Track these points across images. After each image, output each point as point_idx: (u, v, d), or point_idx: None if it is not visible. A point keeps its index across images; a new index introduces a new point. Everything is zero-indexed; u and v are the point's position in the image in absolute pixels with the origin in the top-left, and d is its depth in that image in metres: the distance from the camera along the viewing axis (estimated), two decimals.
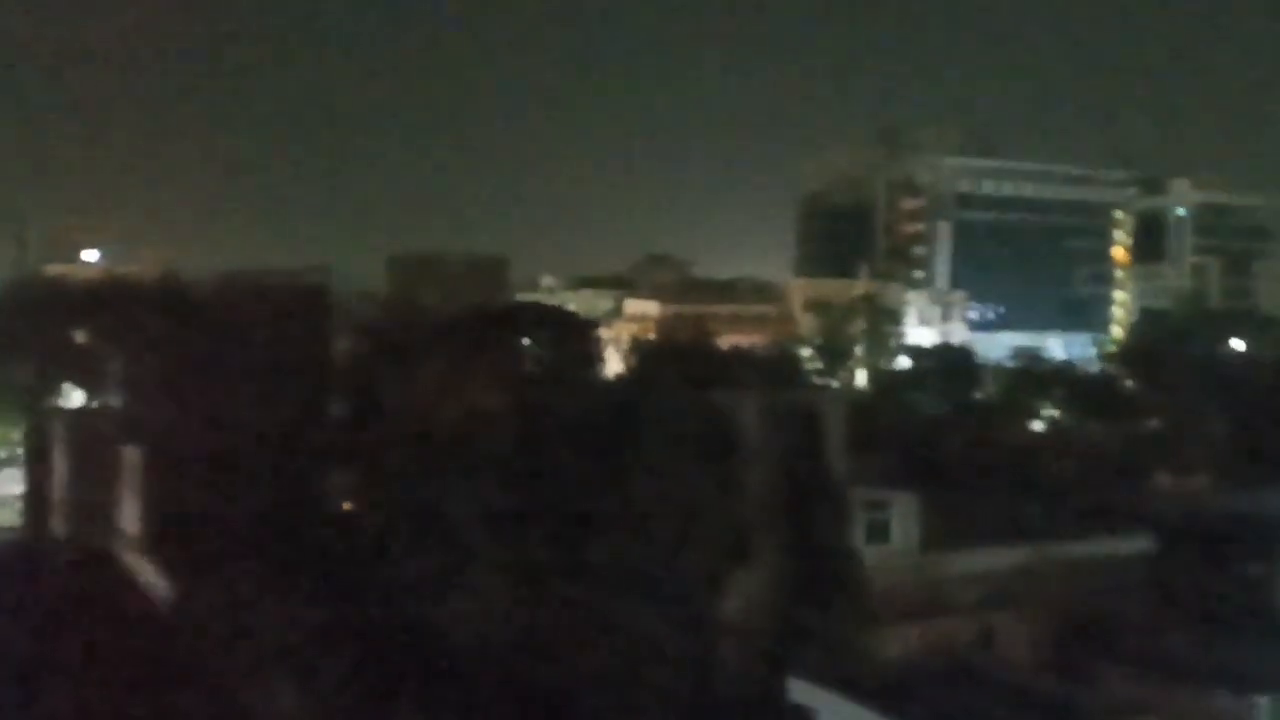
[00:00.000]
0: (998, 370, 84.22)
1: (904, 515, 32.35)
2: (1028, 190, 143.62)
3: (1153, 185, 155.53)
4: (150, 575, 34.57)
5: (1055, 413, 71.16)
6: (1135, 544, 35.35)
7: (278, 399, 38.71)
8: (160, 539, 34.44)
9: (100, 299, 58.65)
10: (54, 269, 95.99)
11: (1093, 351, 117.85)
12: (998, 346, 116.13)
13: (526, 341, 55.33)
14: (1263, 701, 25.65)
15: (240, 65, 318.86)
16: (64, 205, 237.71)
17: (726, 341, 76.99)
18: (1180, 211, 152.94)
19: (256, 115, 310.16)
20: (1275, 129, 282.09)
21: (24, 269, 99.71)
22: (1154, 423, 67.13)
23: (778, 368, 66.10)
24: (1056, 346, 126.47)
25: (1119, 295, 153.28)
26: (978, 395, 75.42)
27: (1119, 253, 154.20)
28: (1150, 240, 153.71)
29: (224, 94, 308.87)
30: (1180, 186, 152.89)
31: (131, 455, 37.77)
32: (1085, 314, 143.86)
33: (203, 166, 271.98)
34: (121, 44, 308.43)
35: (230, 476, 35.07)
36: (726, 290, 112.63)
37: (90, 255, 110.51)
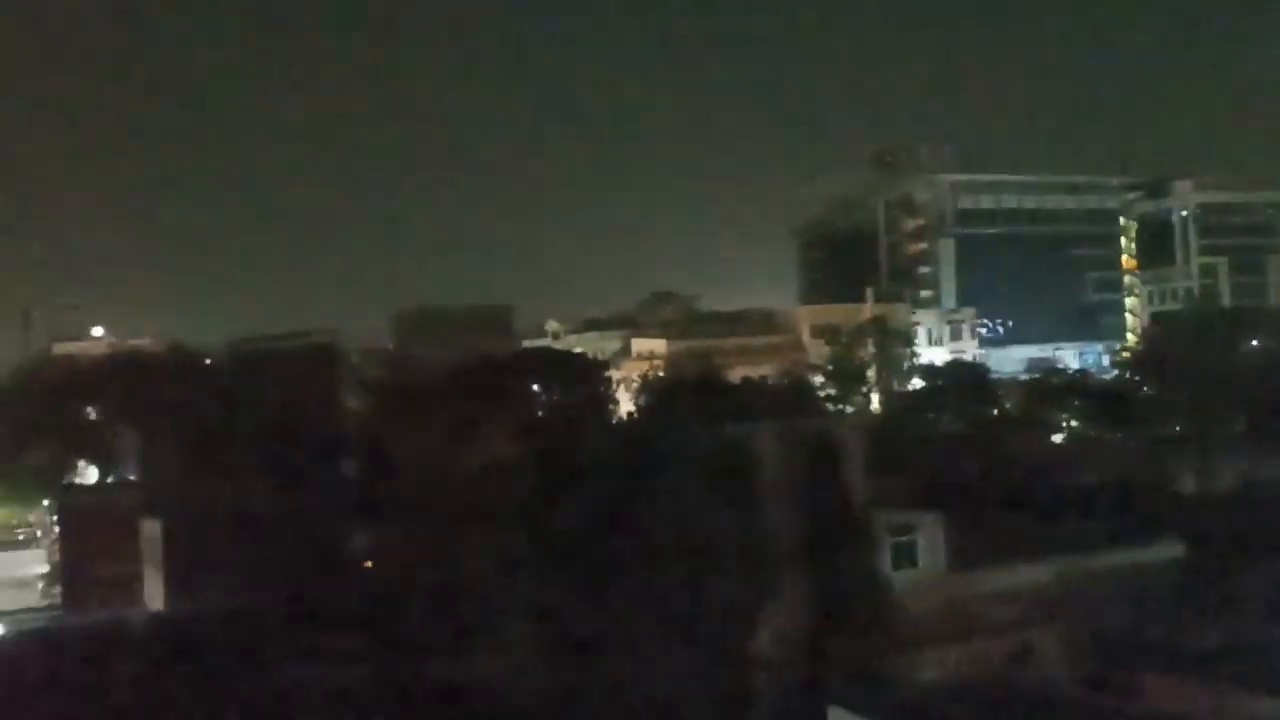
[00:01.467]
0: (1012, 384, 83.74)
1: (930, 537, 31.97)
2: (1029, 202, 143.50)
3: (1155, 188, 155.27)
4: (176, 644, 34.33)
5: (1074, 423, 70.66)
6: (1165, 551, 34.89)
7: (293, 462, 38.68)
8: (184, 608, 34.27)
9: (110, 375, 58.88)
10: (62, 348, 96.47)
11: (1106, 359, 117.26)
12: (1010, 360, 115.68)
13: (536, 388, 55.36)
14: None
15: (233, 128, 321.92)
16: (65, 284, 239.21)
17: (737, 374, 76.76)
18: (1184, 213, 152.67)
19: (250, 177, 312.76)
20: (1276, 122, 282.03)
21: (32, 350, 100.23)
22: (1174, 427, 66.60)
23: (790, 397, 65.76)
24: (1070, 356, 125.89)
25: (1129, 301, 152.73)
26: (994, 411, 74.96)
27: (1126, 259, 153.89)
28: (1157, 244, 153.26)
29: (218, 158, 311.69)
30: (1183, 188, 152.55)
31: (151, 527, 37.73)
32: (1096, 322, 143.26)
33: (201, 235, 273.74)
34: (113, 116, 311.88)
35: (249, 542, 34.97)
36: (733, 322, 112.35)
37: (97, 332, 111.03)
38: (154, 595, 37.30)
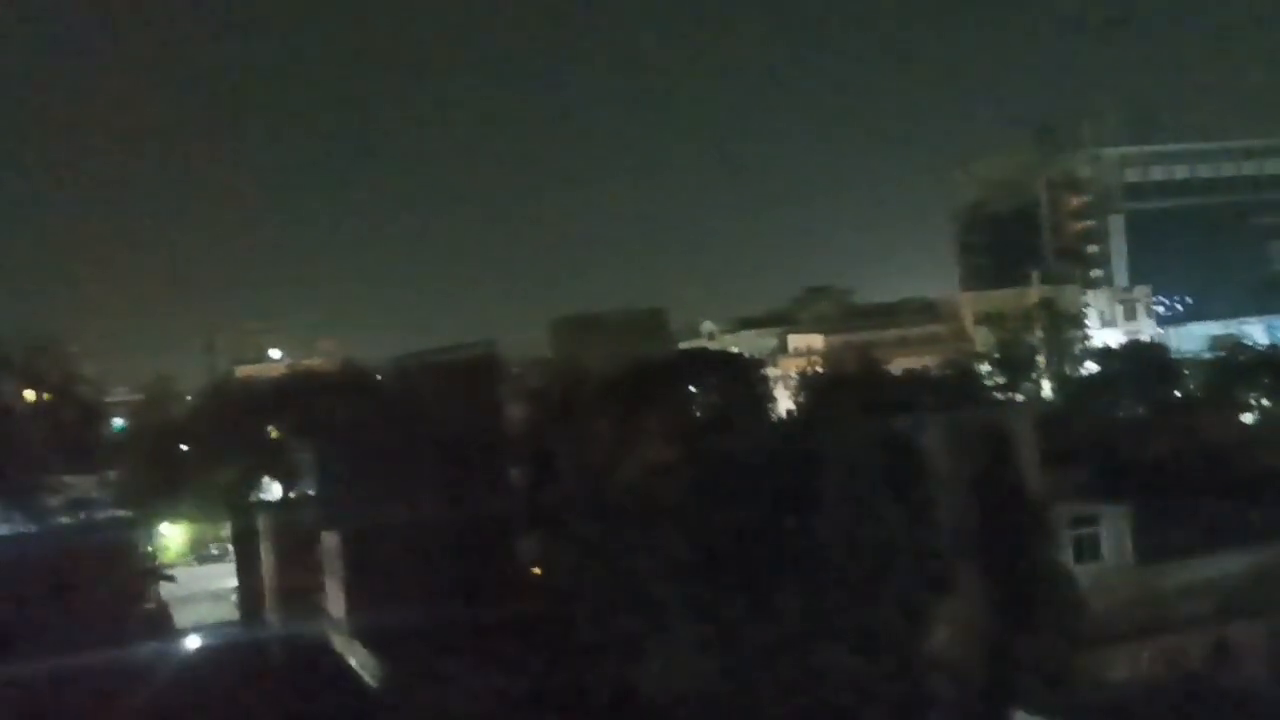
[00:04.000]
0: (1196, 363, 79.43)
1: (1114, 528, 30.49)
2: (1203, 170, 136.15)
3: None
4: (360, 657, 35.55)
5: (1266, 402, 66.51)
6: None
7: (461, 471, 39.55)
8: (366, 621, 35.43)
9: (288, 394, 61.56)
10: (244, 370, 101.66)
11: None
12: (1192, 339, 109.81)
13: (694, 389, 55.24)
14: None
15: (393, 143, 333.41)
16: (244, 308, 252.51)
17: (898, 366, 75.05)
18: None
19: (404, 198, 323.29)
20: None
21: (216, 373, 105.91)
22: None
23: (956, 387, 63.87)
24: (1257, 331, 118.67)
25: None
26: (1177, 393, 71.20)
27: None
28: None
29: (379, 173, 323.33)
30: None
31: (331, 541, 39.14)
32: None
33: (364, 256, 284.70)
34: (282, 138, 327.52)
35: (429, 552, 35.93)
36: (891, 313, 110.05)
37: (275, 354, 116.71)
38: (335, 606, 38.68)
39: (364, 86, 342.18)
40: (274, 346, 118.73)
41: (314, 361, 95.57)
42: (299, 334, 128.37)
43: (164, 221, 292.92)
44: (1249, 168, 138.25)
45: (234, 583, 50.89)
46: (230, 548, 55.65)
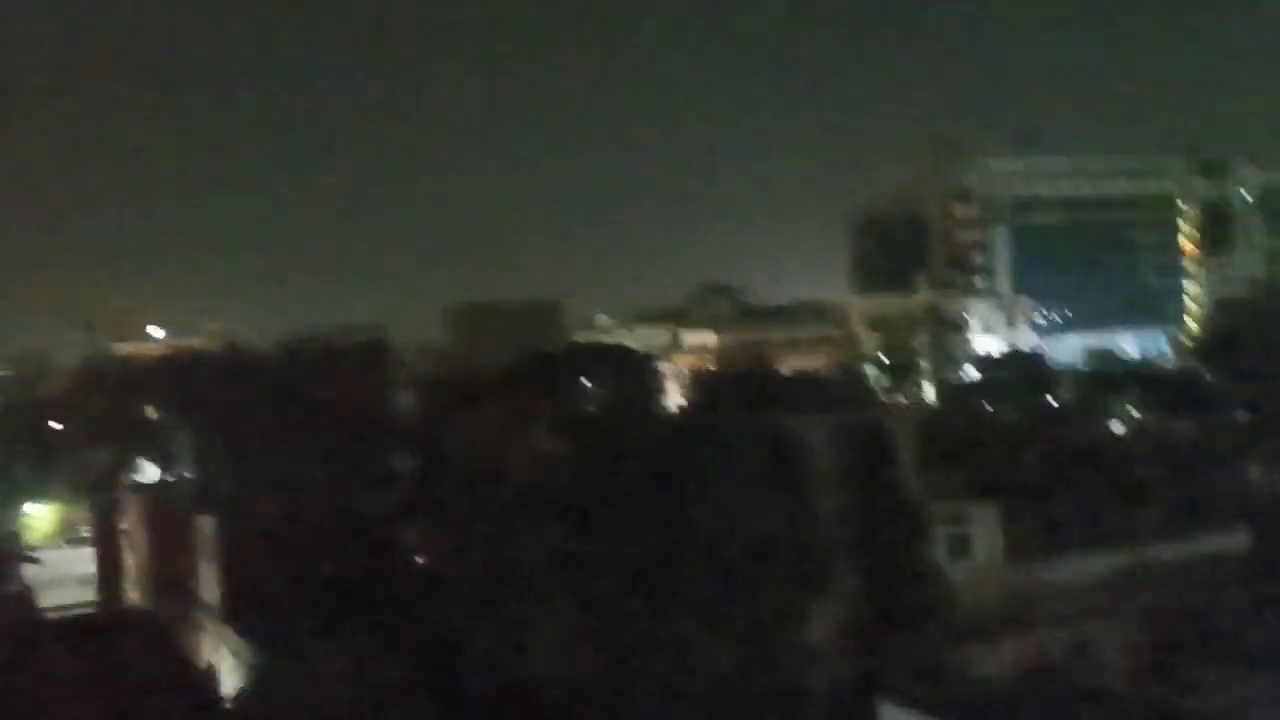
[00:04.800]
0: (1070, 373, 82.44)
1: (985, 527, 31.44)
2: (1085, 187, 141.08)
3: (1216, 171, 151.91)
4: (230, 643, 34.72)
5: (1135, 412, 69.32)
6: (1229, 541, 34.03)
7: (345, 458, 38.94)
8: (237, 606, 34.61)
9: (166, 374, 59.78)
10: (122, 348, 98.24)
11: (1167, 347, 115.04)
12: (1068, 349, 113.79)
13: (586, 382, 55.20)
14: None
15: (282, 122, 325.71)
16: (123, 285, 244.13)
17: (789, 366, 76.23)
18: (1247, 196, 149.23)
19: (296, 173, 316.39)
20: None
21: (94, 351, 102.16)
22: (1239, 414, 65.05)
23: (843, 388, 65.15)
24: (1129, 344, 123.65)
25: (1190, 287, 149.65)
26: (1052, 400, 73.75)
27: (1187, 243, 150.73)
28: (1219, 228, 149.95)
29: (270, 155, 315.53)
30: (1245, 170, 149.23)
31: (205, 525, 38.15)
32: (1156, 309, 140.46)
33: (251, 233, 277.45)
34: (153, 123, 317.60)
35: (303, 539, 35.23)
36: (785, 315, 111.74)
37: (155, 332, 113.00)
38: (208, 591, 37.72)
39: (257, 61, 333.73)
40: (156, 325, 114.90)
41: (197, 342, 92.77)
42: (185, 313, 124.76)
43: (44, 193, 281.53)
44: (1129, 186, 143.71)
45: (97, 566, 49.18)
46: (100, 530, 53.74)
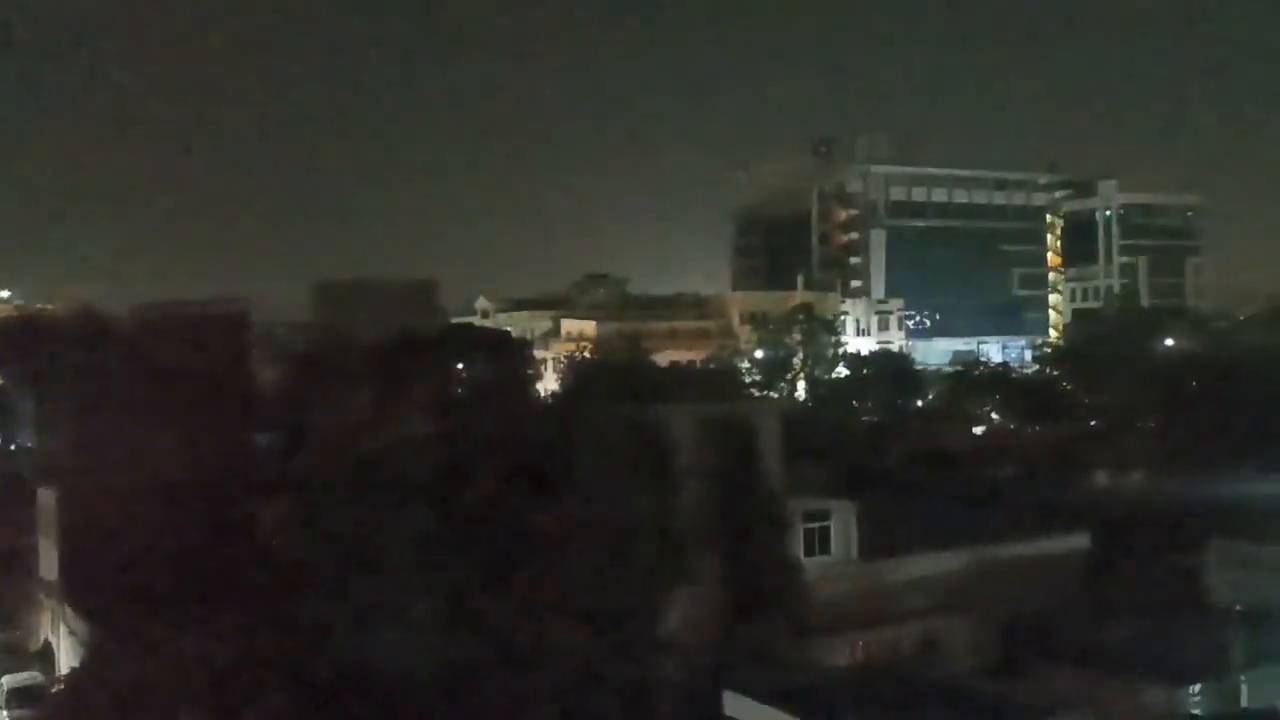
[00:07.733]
0: (936, 376, 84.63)
1: (843, 524, 31.93)
2: (960, 196, 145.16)
3: (1082, 188, 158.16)
4: (70, 621, 33.20)
5: (995, 416, 71.57)
6: (1073, 542, 35.29)
7: (201, 432, 37.52)
8: (81, 581, 33.10)
9: (13, 339, 56.82)
10: None
11: (1029, 354, 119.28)
12: (935, 352, 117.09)
13: (459, 365, 54.45)
14: (1193, 690, 25.71)
15: (151, 89, 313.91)
16: None
17: (665, 357, 76.54)
18: (1108, 212, 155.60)
19: (170, 139, 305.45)
20: (1202, 126, 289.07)
21: None
22: (1091, 422, 67.74)
23: (716, 381, 65.67)
24: (994, 350, 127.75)
25: (1052, 298, 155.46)
26: (917, 402, 75.65)
27: (1051, 255, 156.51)
28: (1081, 242, 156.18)
29: (136, 120, 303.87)
30: (1108, 188, 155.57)
31: (48, 497, 36.40)
32: (1020, 317, 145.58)
33: (118, 199, 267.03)
34: (33, 77, 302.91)
35: (154, 513, 33.86)
36: (664, 306, 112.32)
37: (3, 294, 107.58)
38: (46, 567, 35.99)
39: (141, 39, 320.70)
40: (5, 288, 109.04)
41: (49, 307, 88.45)
42: (41, 279, 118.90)
43: None
44: (1000, 197, 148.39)
45: None
46: None
